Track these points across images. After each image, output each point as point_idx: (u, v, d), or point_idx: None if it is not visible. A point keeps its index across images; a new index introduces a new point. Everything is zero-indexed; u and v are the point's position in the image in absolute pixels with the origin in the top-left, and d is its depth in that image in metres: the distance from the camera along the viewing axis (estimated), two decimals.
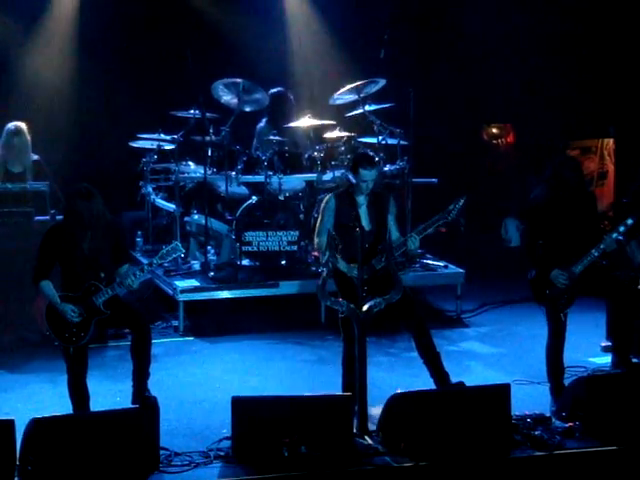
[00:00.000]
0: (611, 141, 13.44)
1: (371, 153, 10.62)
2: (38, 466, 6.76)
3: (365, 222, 8.05)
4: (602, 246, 7.97)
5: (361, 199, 8.17)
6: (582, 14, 13.07)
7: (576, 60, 13.23)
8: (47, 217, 9.95)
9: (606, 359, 9.06)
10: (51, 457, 6.78)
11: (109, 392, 8.36)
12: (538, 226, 8.14)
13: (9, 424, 6.81)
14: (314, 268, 10.47)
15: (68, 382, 7.76)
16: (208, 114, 11.11)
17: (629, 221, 7.97)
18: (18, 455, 6.80)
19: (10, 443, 6.79)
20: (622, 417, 7.47)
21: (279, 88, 11.48)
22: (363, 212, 8.14)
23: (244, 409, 7.20)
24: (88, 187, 7.73)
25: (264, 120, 11.47)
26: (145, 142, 11.40)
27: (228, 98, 11.32)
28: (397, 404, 7.36)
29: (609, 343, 9.25)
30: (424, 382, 8.16)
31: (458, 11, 13.13)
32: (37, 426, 6.83)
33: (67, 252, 7.70)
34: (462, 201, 8.07)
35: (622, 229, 7.99)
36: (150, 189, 11.46)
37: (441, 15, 13.27)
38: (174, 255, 7.93)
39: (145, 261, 7.99)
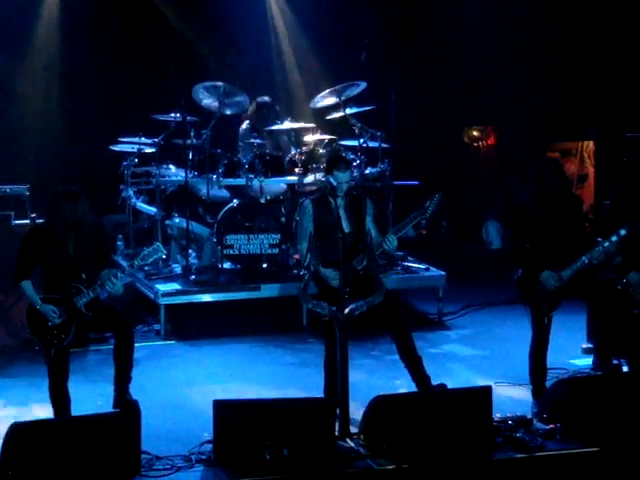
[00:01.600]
0: (591, 143, 13.49)
1: (350, 155, 10.72)
2: (18, 471, 6.72)
3: (344, 224, 8.05)
4: (590, 257, 7.97)
5: (338, 201, 8.17)
6: (563, 17, 13.12)
7: (556, 62, 13.28)
8: (27, 221, 9.91)
9: (587, 361, 9.09)
10: (32, 462, 6.75)
11: (90, 396, 8.33)
12: (524, 228, 8.15)
13: None
14: (296, 271, 10.47)
15: (49, 386, 7.72)
16: (189, 117, 11.09)
17: (622, 232, 7.98)
18: None
19: None
20: (603, 419, 7.49)
21: (266, 98, 11.44)
22: (342, 214, 8.13)
23: (226, 412, 7.18)
24: (73, 188, 7.70)
25: (246, 123, 11.46)
26: (126, 145, 11.38)
27: (209, 101, 11.31)
28: (379, 407, 7.36)
29: (590, 345, 9.28)
30: (406, 385, 8.17)
31: (440, 13, 13.15)
32: (17, 431, 6.80)
33: (50, 253, 7.66)
34: (437, 197, 8.07)
35: (614, 239, 7.98)
36: (131, 192, 11.43)
37: (422, 17, 13.29)
38: (155, 256, 7.89)
39: (125, 264, 7.94)
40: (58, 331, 7.64)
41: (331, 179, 8.12)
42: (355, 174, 10.64)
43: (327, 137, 11.17)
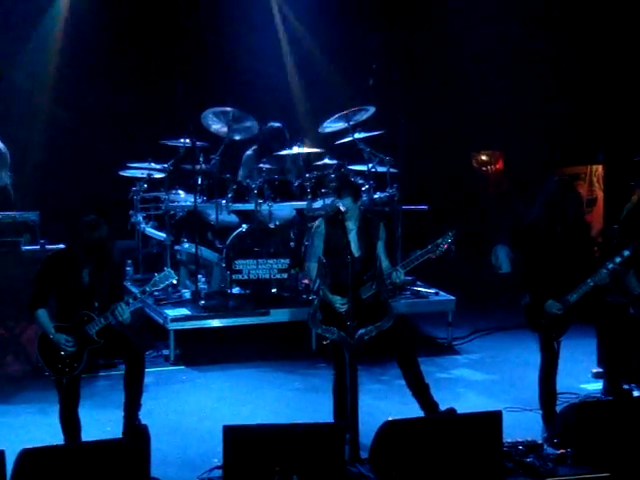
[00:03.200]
0: (600, 167, 13.50)
1: (359, 180, 10.73)
2: None
3: (355, 248, 8.05)
4: (595, 279, 7.96)
5: (351, 224, 8.17)
6: (570, 41, 13.15)
7: (565, 87, 13.30)
8: (37, 247, 9.94)
9: (597, 385, 9.06)
10: None
11: (100, 422, 8.32)
12: (533, 252, 8.14)
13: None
14: (305, 296, 10.47)
15: (60, 413, 7.72)
16: (198, 143, 11.13)
17: (626, 252, 7.97)
18: None
19: (0, 474, 6.74)
20: (613, 443, 7.45)
21: (277, 124, 11.47)
22: (353, 238, 8.13)
23: (235, 438, 7.16)
24: (96, 218, 7.71)
25: (252, 148, 11.49)
26: (135, 171, 11.41)
27: (218, 127, 11.34)
28: (389, 432, 7.33)
29: (600, 370, 9.25)
30: (415, 410, 8.15)
31: (447, 39, 13.19)
32: (28, 457, 6.78)
33: (66, 281, 7.67)
34: (451, 235, 8.05)
35: (618, 260, 7.98)
36: (140, 218, 11.46)
37: (430, 42, 13.34)
38: (167, 282, 7.89)
39: (136, 290, 7.95)
40: (70, 360, 7.64)
41: (340, 203, 8.13)
42: (364, 199, 10.65)
43: (336, 162, 11.19)
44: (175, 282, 8.88)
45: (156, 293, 10.73)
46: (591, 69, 13.24)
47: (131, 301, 7.68)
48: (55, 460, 6.83)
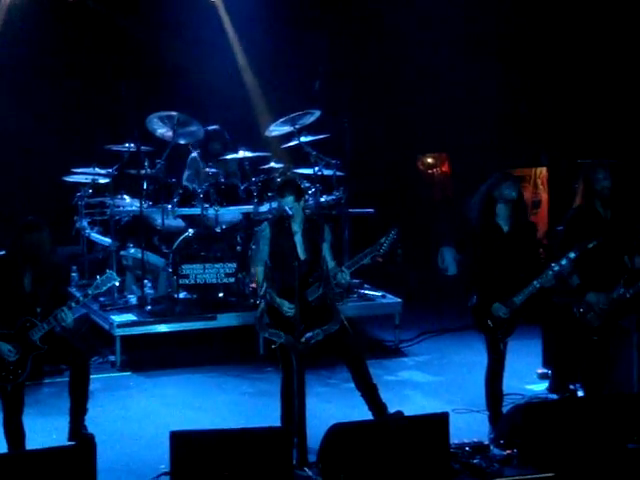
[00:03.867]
0: (544, 169, 13.60)
1: (306, 184, 10.73)
2: None
3: (300, 251, 8.05)
4: (541, 281, 8.03)
5: (296, 227, 8.17)
6: (516, 43, 13.25)
7: (508, 89, 13.39)
8: None
9: (543, 386, 9.14)
10: None
11: (45, 429, 8.25)
12: (479, 254, 8.19)
13: None
14: (252, 300, 10.45)
15: (3, 420, 7.65)
16: (143, 147, 11.07)
17: (571, 254, 8.04)
18: None
19: None
20: (559, 443, 7.51)
21: (215, 127, 11.45)
22: (298, 240, 8.12)
23: (183, 444, 7.12)
24: (35, 220, 7.64)
25: (196, 151, 11.44)
26: (79, 176, 11.32)
27: (163, 131, 11.28)
28: (336, 435, 7.33)
29: (545, 370, 9.33)
30: (363, 413, 8.16)
31: (393, 42, 13.23)
32: None
33: (7, 287, 7.58)
34: (393, 234, 8.07)
35: (564, 262, 8.05)
36: (85, 223, 11.38)
37: (375, 47, 13.37)
38: (109, 284, 7.84)
39: (80, 294, 7.88)
40: (14, 367, 7.56)
41: (286, 207, 8.12)
42: (310, 202, 10.66)
43: (282, 166, 11.19)
44: (117, 284, 8.81)
45: (102, 299, 10.69)
46: (535, 72, 13.35)
47: (74, 305, 7.61)
48: None
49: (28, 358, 7.58)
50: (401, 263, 12.95)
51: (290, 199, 8.11)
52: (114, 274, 7.91)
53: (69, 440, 7.66)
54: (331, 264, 8.16)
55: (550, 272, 8.05)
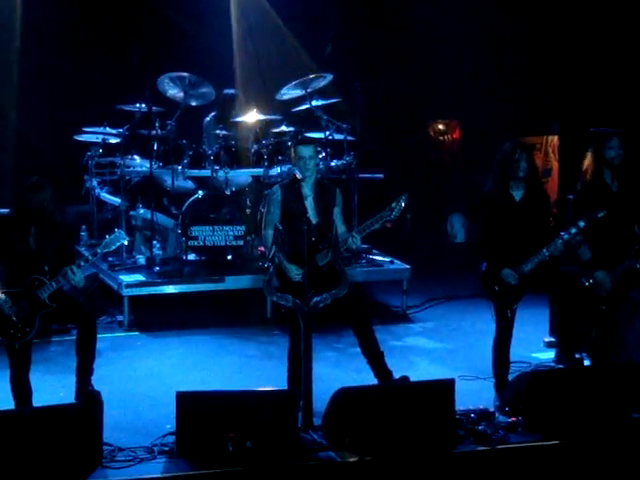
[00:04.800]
0: (555, 138, 13.55)
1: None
2: None
3: (311, 214, 8.04)
4: (550, 250, 8.02)
5: (307, 190, 8.15)
6: (528, 9, 13.16)
7: (521, 56, 13.32)
8: None
9: (549, 354, 9.14)
10: None
11: (52, 387, 8.28)
12: (490, 221, 8.17)
13: None
14: (260, 263, 10.44)
15: (10, 377, 7.67)
16: (154, 108, 11.04)
17: (581, 223, 8.02)
18: None
19: None
20: (564, 412, 7.54)
21: (232, 91, 11.42)
22: (309, 204, 8.12)
23: (189, 404, 7.17)
24: (39, 180, 7.64)
25: (211, 115, 11.42)
26: (90, 136, 11.33)
27: (174, 92, 11.26)
28: (342, 399, 7.37)
29: (552, 339, 9.33)
30: (369, 378, 8.18)
31: (405, 7, 13.16)
32: None
33: (12, 246, 7.59)
34: (404, 199, 8.04)
35: (573, 231, 8.03)
36: (95, 183, 11.39)
37: (388, 11, 13.30)
38: (118, 243, 7.83)
39: (89, 254, 7.88)
40: (22, 324, 7.58)
41: (296, 170, 8.12)
42: (321, 166, 10.64)
43: (293, 129, 11.16)
44: (126, 243, 8.81)
45: (110, 259, 10.71)
46: (548, 38, 13.26)
47: (82, 264, 7.62)
48: (5, 425, 6.80)
49: (36, 316, 7.60)
50: (410, 229, 12.97)
51: (312, 148, 8.14)
52: (123, 233, 7.92)
53: (76, 398, 7.70)
54: (341, 228, 8.15)
55: (560, 241, 8.04)
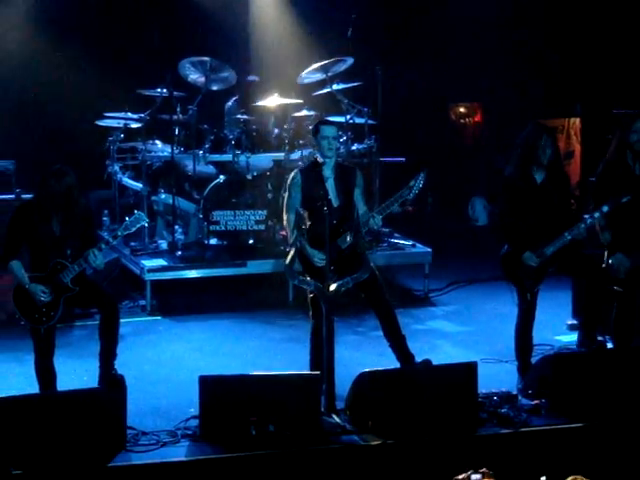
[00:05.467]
0: (577, 120, 13.48)
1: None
2: (4, 446, 6.72)
3: (333, 196, 8.02)
4: (572, 233, 7.99)
5: (328, 172, 8.12)
6: None
7: (543, 38, 13.25)
8: (12, 196, 9.88)
9: (572, 337, 9.11)
10: (17, 437, 6.75)
11: (76, 372, 8.32)
12: (512, 204, 8.15)
13: None
14: (282, 247, 10.45)
15: (35, 362, 7.71)
16: (175, 93, 11.05)
17: (604, 208, 7.98)
18: None
19: None
20: (587, 394, 7.52)
21: (254, 77, 11.42)
22: (330, 186, 8.08)
23: (211, 388, 7.19)
24: (62, 166, 7.66)
25: (233, 99, 11.41)
26: (112, 120, 11.34)
27: (195, 77, 11.26)
28: (365, 382, 7.38)
29: (575, 321, 9.31)
30: (391, 361, 8.17)
31: None
32: (3, 406, 6.80)
33: (36, 231, 7.62)
34: (422, 176, 8.00)
35: (597, 215, 8.00)
36: (117, 168, 11.41)
37: None
38: (138, 225, 7.83)
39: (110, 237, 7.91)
40: (47, 309, 7.61)
41: (317, 154, 8.10)
42: (342, 150, 10.62)
43: (313, 113, 11.14)
44: (147, 225, 8.82)
45: (132, 244, 10.75)
46: (570, 20, 13.19)
47: (103, 246, 7.64)
48: (30, 409, 6.84)
49: (60, 300, 7.63)
50: (431, 212, 12.95)
51: (335, 128, 8.14)
52: (143, 215, 7.92)
53: (100, 382, 7.72)
54: (363, 210, 8.13)
55: (582, 225, 8.01)
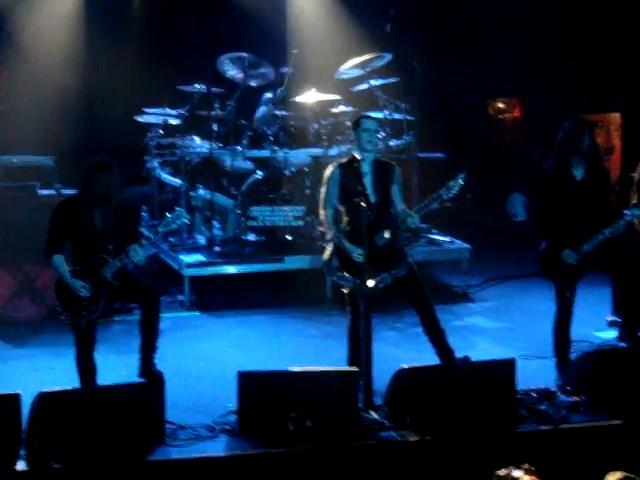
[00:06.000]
0: (617, 115, 13.39)
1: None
2: (45, 439, 6.78)
3: (370, 192, 8.00)
4: (611, 230, 7.94)
5: (366, 168, 8.11)
6: None
7: (582, 33, 13.17)
8: (52, 191, 9.95)
9: (612, 334, 9.07)
10: (58, 431, 6.80)
11: (115, 366, 8.37)
12: (551, 200, 8.11)
13: (15, 397, 6.83)
14: (320, 243, 10.45)
15: (76, 356, 7.76)
16: (214, 89, 11.09)
17: None
18: (25, 428, 6.82)
19: (16, 416, 6.80)
20: (627, 391, 7.47)
21: (287, 69, 11.43)
22: (368, 182, 8.06)
23: (250, 383, 7.21)
24: (105, 159, 7.69)
25: (270, 91, 11.40)
26: (151, 116, 11.40)
27: (233, 73, 11.30)
28: (403, 378, 7.37)
29: (615, 318, 9.25)
30: (430, 357, 8.16)
31: None
32: (44, 400, 6.85)
33: (79, 226, 7.66)
34: (462, 177, 7.99)
35: (637, 212, 7.95)
36: (156, 164, 11.46)
37: None
38: (179, 222, 7.86)
39: (151, 233, 7.94)
40: (88, 303, 7.65)
41: (355, 150, 8.09)
42: (380, 146, 10.61)
43: (351, 109, 11.13)
44: (187, 222, 8.85)
45: (171, 239, 10.79)
46: (612, 15, 13.09)
47: (144, 242, 7.67)
48: (71, 403, 6.90)
49: (101, 294, 7.67)
50: (470, 209, 12.91)
51: (375, 122, 8.15)
52: (184, 212, 7.94)
53: (139, 377, 7.75)
54: (400, 206, 8.11)
55: (622, 221, 7.96)
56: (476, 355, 8.23)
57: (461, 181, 7.95)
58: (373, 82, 11.19)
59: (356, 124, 8.17)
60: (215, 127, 11.00)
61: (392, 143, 11.12)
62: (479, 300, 10.56)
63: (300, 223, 10.70)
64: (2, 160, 10.22)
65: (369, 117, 8.29)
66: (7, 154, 10.36)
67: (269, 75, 11.32)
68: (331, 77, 11.51)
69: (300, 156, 11.01)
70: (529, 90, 13.50)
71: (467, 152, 12.90)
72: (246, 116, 11.23)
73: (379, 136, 10.55)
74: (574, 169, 8.14)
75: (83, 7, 12.24)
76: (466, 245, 10.90)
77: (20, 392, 6.88)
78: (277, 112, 11.09)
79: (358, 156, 8.05)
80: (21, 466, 6.73)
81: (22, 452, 6.79)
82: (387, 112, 11.10)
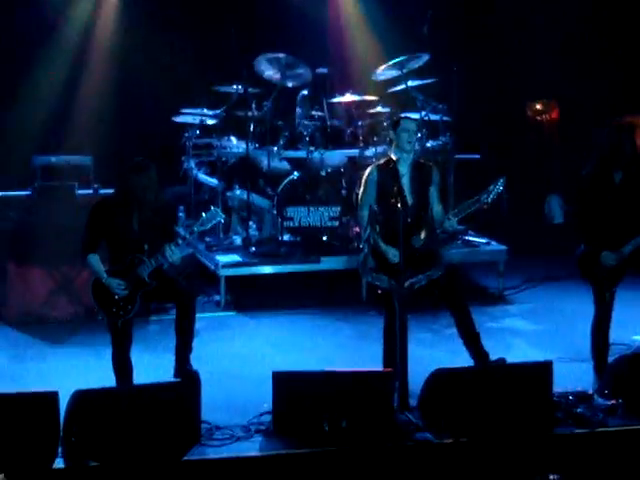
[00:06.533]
0: None
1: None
2: (82, 438, 6.82)
3: (407, 194, 7.99)
4: None
5: (404, 169, 8.09)
6: None
7: (622, 33, 13.08)
8: (90, 191, 10.01)
9: None
10: (94, 429, 6.84)
11: (151, 366, 8.40)
12: (589, 203, 8.05)
13: (53, 396, 6.87)
14: (356, 244, 10.45)
15: (112, 355, 7.80)
16: (250, 89, 11.10)
17: None
18: (62, 427, 6.86)
19: (54, 414, 6.84)
20: None
21: (323, 69, 11.43)
22: (406, 183, 8.04)
23: (285, 384, 7.22)
24: (144, 160, 7.73)
25: (306, 90, 11.40)
26: (188, 117, 11.44)
27: (271, 73, 11.31)
28: (438, 380, 7.34)
29: None
30: (465, 359, 8.13)
31: None
32: (81, 399, 6.89)
33: (116, 226, 7.70)
34: (502, 182, 7.95)
35: None
36: (193, 164, 11.50)
37: None
38: (214, 221, 7.87)
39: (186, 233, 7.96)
40: (124, 302, 7.69)
41: (392, 151, 8.08)
42: (417, 147, 10.57)
43: (388, 110, 11.12)
44: (222, 221, 8.86)
45: (207, 239, 10.82)
46: None
47: (180, 242, 7.69)
48: (107, 402, 6.93)
49: (137, 294, 7.70)
50: (507, 210, 12.83)
51: (415, 124, 8.15)
52: (219, 211, 7.94)
53: (175, 376, 7.78)
54: (437, 208, 8.09)
55: None
56: (513, 357, 8.19)
57: (501, 187, 7.93)
58: (410, 83, 11.16)
59: (396, 124, 8.14)
60: (251, 127, 11.01)
61: (429, 144, 11.08)
62: (516, 302, 10.52)
63: (336, 224, 10.70)
64: (41, 160, 10.29)
65: (409, 118, 8.28)
66: (46, 154, 10.42)
67: (306, 76, 11.32)
68: (368, 78, 11.49)
69: (336, 157, 11.01)
70: (567, 91, 13.41)
71: (505, 153, 12.83)
72: (283, 116, 11.23)
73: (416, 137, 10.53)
74: (614, 173, 8.07)
75: (122, 8, 12.30)
76: (503, 247, 10.85)
77: (58, 390, 6.92)
78: (313, 112, 11.09)
79: (394, 157, 8.03)
80: (58, 464, 6.77)
81: (60, 450, 6.84)
82: (424, 113, 11.07)
